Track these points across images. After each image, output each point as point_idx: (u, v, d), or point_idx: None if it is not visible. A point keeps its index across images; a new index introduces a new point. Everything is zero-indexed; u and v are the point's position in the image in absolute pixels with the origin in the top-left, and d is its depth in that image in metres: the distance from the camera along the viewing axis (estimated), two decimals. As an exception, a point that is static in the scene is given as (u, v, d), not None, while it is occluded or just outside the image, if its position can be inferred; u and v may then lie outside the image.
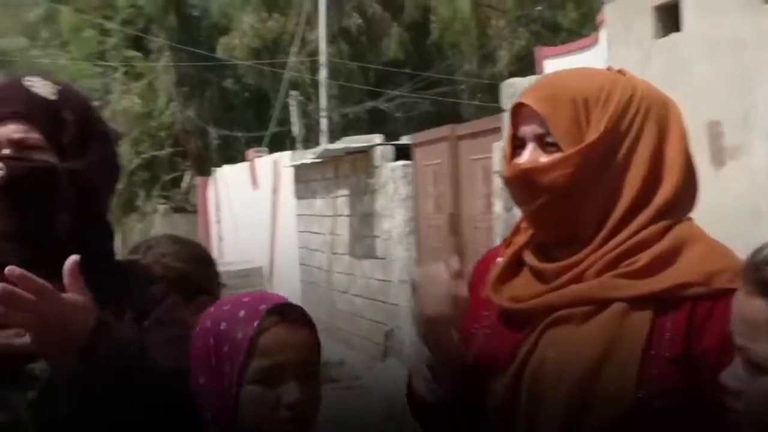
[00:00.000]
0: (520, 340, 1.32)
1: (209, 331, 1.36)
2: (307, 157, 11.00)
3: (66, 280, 1.29)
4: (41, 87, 1.45)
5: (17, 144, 1.41)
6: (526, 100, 1.34)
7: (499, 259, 1.42)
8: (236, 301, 1.40)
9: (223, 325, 1.35)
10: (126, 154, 18.19)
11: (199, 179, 17.13)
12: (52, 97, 1.44)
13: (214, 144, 18.66)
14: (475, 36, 17.20)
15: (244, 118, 19.13)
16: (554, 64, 9.02)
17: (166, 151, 18.52)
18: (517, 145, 1.36)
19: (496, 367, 1.34)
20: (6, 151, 1.40)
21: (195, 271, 1.95)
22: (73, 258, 1.28)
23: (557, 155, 1.31)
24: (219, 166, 16.14)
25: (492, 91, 10.55)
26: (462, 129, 7.85)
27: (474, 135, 7.43)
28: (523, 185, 1.34)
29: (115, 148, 1.54)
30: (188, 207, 18.10)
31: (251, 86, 19.07)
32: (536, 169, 1.31)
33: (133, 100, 17.95)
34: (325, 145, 13.22)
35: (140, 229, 18.70)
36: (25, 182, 1.39)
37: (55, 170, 1.42)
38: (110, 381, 1.31)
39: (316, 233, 11.00)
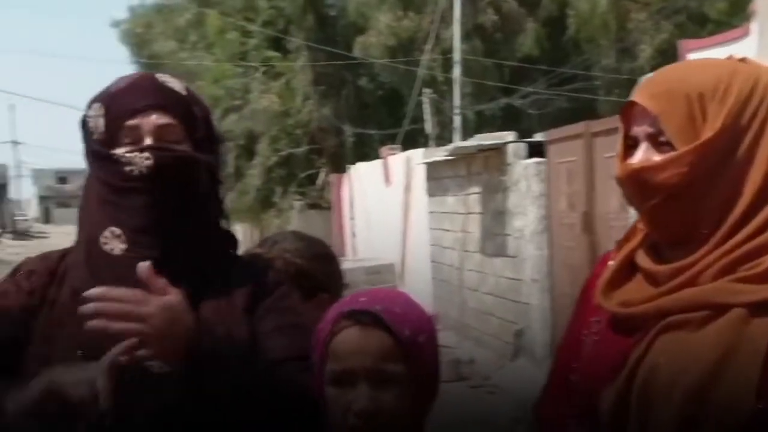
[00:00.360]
0: (631, 346, 1.27)
1: (319, 328, 1.37)
2: (440, 154, 11.00)
3: (152, 286, 1.29)
4: (173, 83, 1.49)
5: (159, 134, 1.43)
6: (638, 98, 1.29)
7: (611, 263, 1.37)
8: (341, 300, 1.41)
9: (321, 324, 1.36)
10: (264, 151, 18.77)
11: (333, 176, 17.44)
12: (184, 93, 1.48)
13: (349, 141, 18.95)
14: (614, 30, 16.69)
15: (378, 116, 19.33)
16: (699, 57, 8.64)
17: (303, 148, 18.94)
18: (630, 144, 1.31)
19: (606, 374, 1.28)
20: (149, 141, 1.43)
21: (316, 269, 1.97)
22: (142, 264, 1.29)
23: (670, 154, 1.25)
24: (353, 163, 16.37)
25: (630, 87, 10.22)
26: (597, 125, 7.65)
27: (610, 132, 7.21)
28: (635, 186, 1.28)
29: (224, 155, 1.59)
30: (323, 203, 18.45)
31: (386, 84, 19.25)
32: (648, 169, 1.26)
33: (272, 99, 18.46)
34: (457, 142, 13.18)
35: (277, 225, 19.22)
36: (169, 172, 1.41)
37: (197, 162, 1.45)
38: (217, 377, 1.31)
39: (447, 230, 10.99)
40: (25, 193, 75.42)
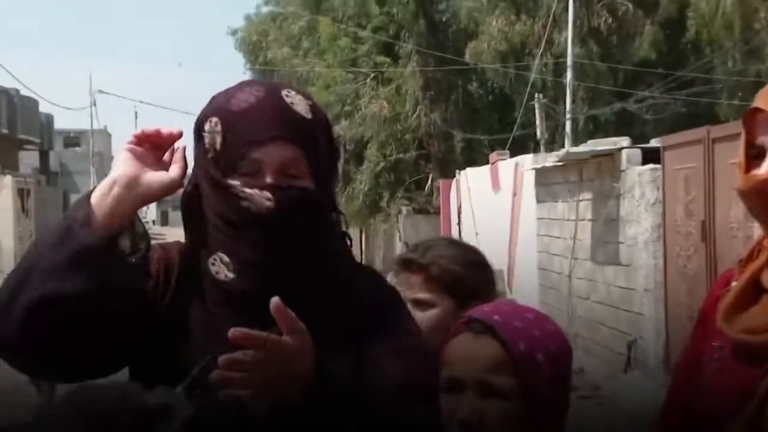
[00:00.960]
0: (757, 378, 1.17)
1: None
2: (550, 160, 10.82)
3: (280, 324, 1.23)
4: (299, 103, 1.37)
5: (282, 169, 1.33)
6: (763, 104, 1.19)
7: (734, 283, 1.26)
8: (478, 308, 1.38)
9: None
10: (373, 156, 18.90)
11: (441, 182, 17.40)
12: (309, 116, 1.37)
13: (458, 147, 18.86)
14: (740, 30, 16.00)
15: (487, 121, 19.17)
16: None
17: (411, 153, 18.97)
18: (754, 154, 1.22)
19: (730, 406, 1.19)
20: (270, 179, 1.33)
21: (470, 276, 1.93)
22: (275, 300, 1.22)
23: None
24: (462, 168, 16.28)
25: (756, 90, 9.76)
26: (719, 131, 7.34)
27: (732, 137, 6.90)
28: (761, 199, 1.19)
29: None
30: (430, 209, 18.42)
31: (496, 89, 19.08)
32: None
33: (382, 105, 18.57)
34: (569, 147, 12.92)
35: (385, 230, 19.34)
36: (289, 213, 1.32)
37: (319, 200, 1.36)
38: (333, 418, 1.27)
39: (556, 237, 10.79)
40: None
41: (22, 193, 22.01)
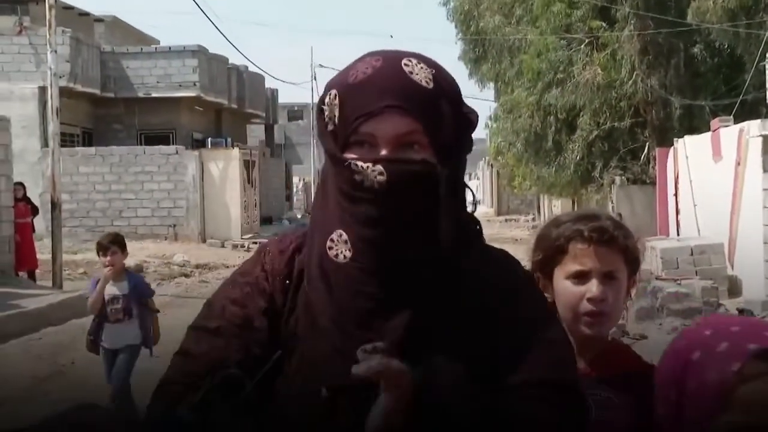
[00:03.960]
0: None
1: (680, 354, 1.12)
2: (779, 125, 9.96)
3: (385, 383, 1.18)
4: (419, 72, 1.30)
5: (397, 142, 1.27)
6: None
7: None
8: (722, 325, 1.12)
9: (695, 355, 1.10)
10: (585, 125, 18.30)
11: (658, 150, 16.56)
12: (430, 86, 1.29)
13: (677, 114, 17.84)
14: None
15: (711, 86, 17.96)
16: None
17: (626, 122, 18.19)
18: None
19: None
20: (384, 152, 1.27)
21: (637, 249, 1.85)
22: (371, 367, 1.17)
23: None
24: (680, 136, 15.40)
25: None
26: None
27: None
28: None
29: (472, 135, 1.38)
30: (646, 179, 17.60)
31: (723, 50, 17.81)
32: None
33: (596, 72, 17.91)
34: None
35: (597, 201, 18.73)
36: (403, 188, 1.26)
37: (437, 174, 1.28)
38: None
39: (785, 210, 9.93)
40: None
41: (248, 165, 23.42)
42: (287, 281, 1.38)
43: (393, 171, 1.26)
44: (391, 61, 1.31)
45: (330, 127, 1.33)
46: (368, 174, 1.26)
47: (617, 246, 1.75)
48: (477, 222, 1.39)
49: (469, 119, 1.35)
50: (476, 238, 1.39)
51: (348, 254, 1.30)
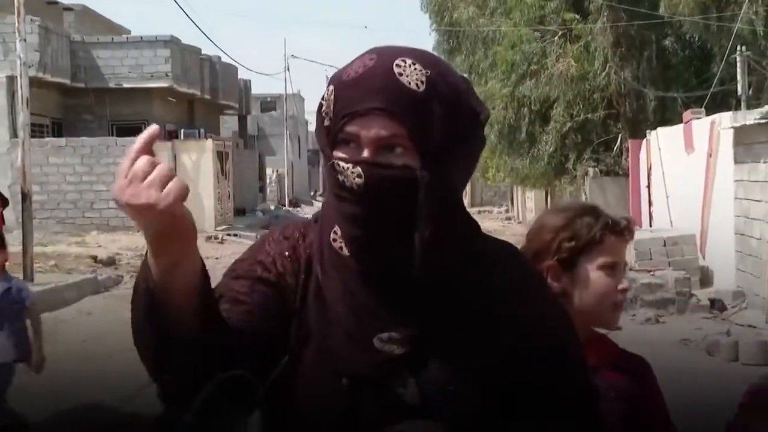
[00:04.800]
0: None
1: None
2: (751, 117, 10.06)
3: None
4: (411, 74, 1.27)
5: (379, 145, 1.26)
6: None
7: None
8: None
9: None
10: (559, 117, 18.38)
11: (631, 142, 16.67)
12: (420, 89, 1.26)
13: (650, 106, 17.97)
14: None
15: (683, 78, 18.11)
16: None
17: (599, 113, 18.30)
18: None
19: None
20: (365, 153, 1.26)
21: None
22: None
23: None
24: (653, 128, 15.52)
25: None
26: None
27: None
28: None
29: (482, 132, 1.36)
30: (619, 170, 17.72)
31: (693, 43, 17.95)
32: None
33: (569, 63, 17.98)
34: (773, 104, 11.97)
35: (570, 192, 18.83)
36: (381, 192, 1.25)
37: (416, 180, 1.26)
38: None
39: (757, 201, 10.05)
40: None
41: (221, 156, 23.27)
42: (296, 268, 1.37)
43: (370, 174, 1.25)
44: (383, 60, 1.28)
45: (326, 123, 1.32)
46: (348, 175, 1.26)
47: (631, 240, 1.84)
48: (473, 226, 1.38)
49: (476, 116, 1.32)
50: (475, 237, 1.37)
51: (347, 249, 1.31)
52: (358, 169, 1.25)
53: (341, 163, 1.27)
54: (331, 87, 1.31)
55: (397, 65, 1.27)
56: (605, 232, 1.77)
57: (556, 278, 1.76)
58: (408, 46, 1.34)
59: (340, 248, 1.31)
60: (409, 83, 1.26)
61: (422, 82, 1.27)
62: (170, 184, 1.12)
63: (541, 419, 1.29)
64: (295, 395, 1.30)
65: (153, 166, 1.12)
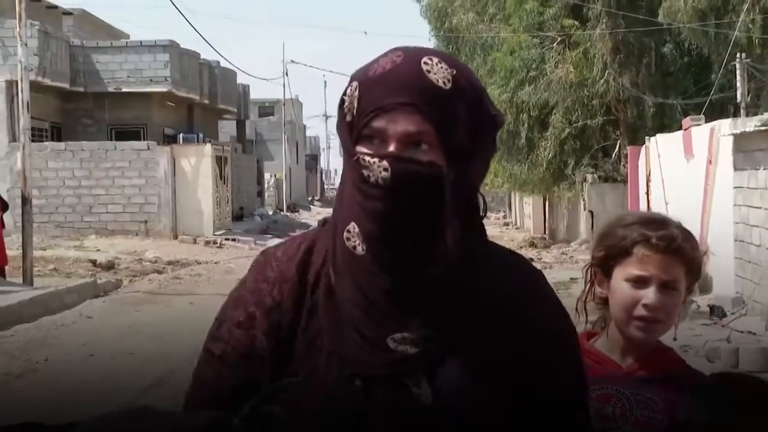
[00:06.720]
0: None
1: None
2: (751, 124, 10.09)
3: None
4: (438, 72, 1.28)
5: (406, 140, 1.27)
6: None
7: None
8: None
9: None
10: (557, 123, 18.42)
11: (630, 149, 16.71)
12: (447, 86, 1.28)
13: (649, 112, 18.02)
14: None
15: (682, 85, 18.16)
16: None
17: (598, 120, 18.34)
18: None
19: None
20: (392, 148, 1.27)
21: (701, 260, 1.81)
22: None
23: None
24: (652, 135, 15.56)
25: None
26: None
27: None
28: None
29: (497, 136, 1.38)
30: (617, 177, 17.75)
31: (692, 50, 18.02)
32: None
33: (568, 69, 18.02)
34: (772, 111, 12.00)
35: (569, 198, 18.87)
36: (407, 186, 1.26)
37: (442, 176, 1.27)
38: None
39: (756, 208, 10.07)
40: (333, 163, 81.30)
41: (220, 161, 23.25)
42: (302, 283, 1.37)
43: (397, 169, 1.26)
44: (411, 58, 1.30)
45: (348, 119, 1.32)
46: (374, 169, 1.27)
47: (683, 257, 1.72)
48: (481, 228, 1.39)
49: (494, 121, 1.34)
50: (486, 239, 1.39)
51: (363, 247, 1.30)
52: (385, 163, 1.26)
53: (367, 158, 1.27)
54: (355, 83, 1.31)
55: (424, 63, 1.28)
56: (635, 243, 1.73)
57: (600, 284, 1.77)
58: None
59: (354, 247, 1.30)
60: (437, 80, 1.27)
61: (449, 80, 1.28)
62: None
63: (542, 419, 1.30)
64: (308, 399, 1.30)
65: None
